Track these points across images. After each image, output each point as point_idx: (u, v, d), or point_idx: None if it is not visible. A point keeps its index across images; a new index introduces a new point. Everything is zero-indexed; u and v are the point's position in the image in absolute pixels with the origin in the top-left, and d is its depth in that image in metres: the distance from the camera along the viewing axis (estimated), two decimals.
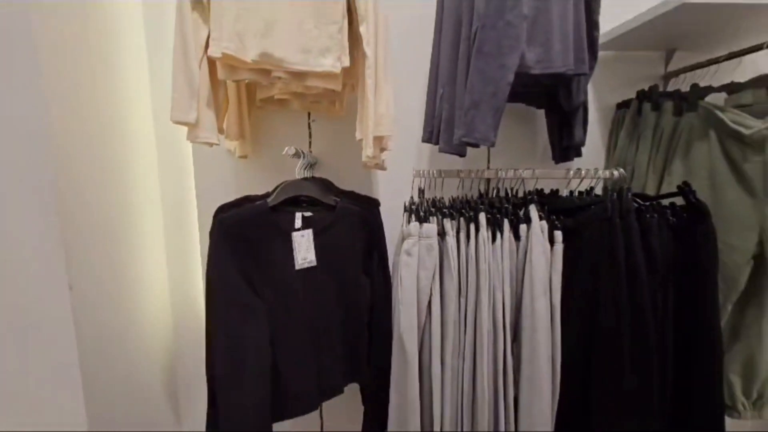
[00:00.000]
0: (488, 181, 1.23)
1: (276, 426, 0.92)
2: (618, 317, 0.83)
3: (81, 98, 0.96)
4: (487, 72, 0.77)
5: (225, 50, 0.81)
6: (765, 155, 0.95)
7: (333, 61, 0.82)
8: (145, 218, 1.22)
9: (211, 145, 0.91)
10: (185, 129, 0.87)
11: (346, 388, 1.01)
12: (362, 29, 0.82)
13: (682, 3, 0.87)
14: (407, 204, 1.11)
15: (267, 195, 0.99)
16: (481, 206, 0.89)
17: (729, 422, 1.03)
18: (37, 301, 0.82)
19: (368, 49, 0.81)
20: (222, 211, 0.95)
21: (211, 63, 0.88)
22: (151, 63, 1.24)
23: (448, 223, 0.88)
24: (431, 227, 0.87)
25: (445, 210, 0.91)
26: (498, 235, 0.88)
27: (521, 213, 0.91)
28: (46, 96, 0.81)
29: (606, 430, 0.85)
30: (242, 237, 0.90)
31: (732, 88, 1.03)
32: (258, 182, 1.21)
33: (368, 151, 0.84)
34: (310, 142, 1.24)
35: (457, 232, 0.89)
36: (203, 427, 0.94)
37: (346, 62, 0.84)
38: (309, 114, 1.22)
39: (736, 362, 1.12)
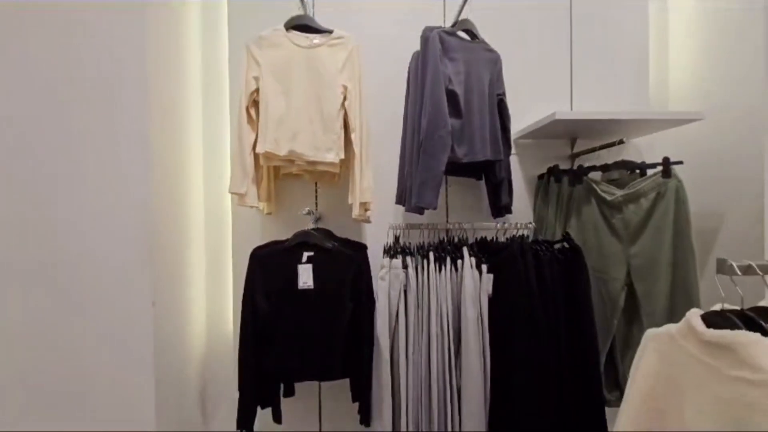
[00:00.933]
0: (447, 230, 1.68)
1: (277, 426, 1.31)
2: (521, 321, 1.25)
3: (167, 151, 1.42)
4: (428, 164, 1.25)
5: (268, 149, 1.30)
6: (623, 214, 1.42)
7: (334, 155, 1.32)
8: (194, 257, 1.66)
9: (252, 207, 1.38)
10: (230, 195, 1.35)
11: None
12: (353, 136, 1.32)
13: (554, 119, 1.37)
14: (385, 247, 1.57)
15: (286, 240, 1.44)
16: (430, 249, 1.34)
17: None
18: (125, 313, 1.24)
19: (356, 148, 1.31)
20: (258, 249, 1.39)
21: (255, 154, 1.37)
22: (204, 135, 1.74)
23: (408, 259, 1.32)
24: (398, 262, 1.31)
25: (407, 251, 1.35)
26: (443, 267, 1.32)
27: (458, 253, 1.35)
28: (151, 148, 1.27)
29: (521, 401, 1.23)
30: (267, 265, 1.34)
31: (605, 168, 1.52)
32: (278, 232, 1.66)
33: (355, 211, 1.31)
34: (316, 203, 1.71)
35: (416, 266, 1.33)
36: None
37: (342, 156, 1.33)
38: (316, 183, 1.71)
39: (628, 364, 1.51)
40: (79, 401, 1.22)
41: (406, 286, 1.32)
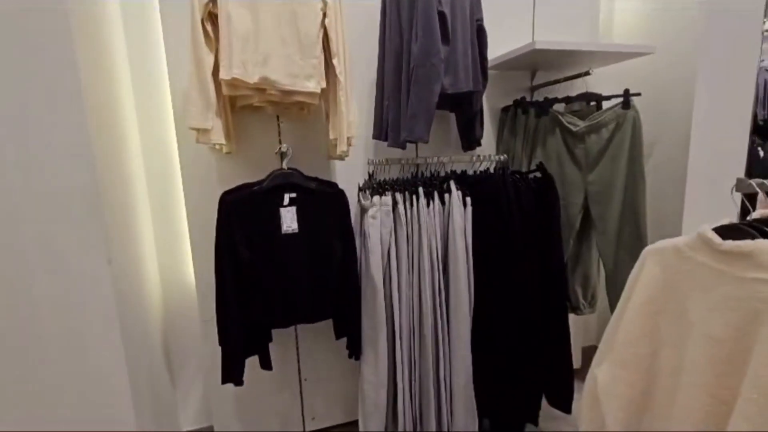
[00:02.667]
0: (417, 165, 1.66)
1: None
2: (500, 244, 1.34)
3: (102, 107, 1.16)
4: (420, 95, 1.18)
5: (235, 75, 1.11)
6: (585, 144, 1.53)
7: (315, 84, 1.17)
8: (139, 206, 1.43)
9: (217, 144, 1.20)
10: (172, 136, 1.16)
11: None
12: (335, 61, 1.18)
13: (533, 49, 1.37)
14: (361, 185, 1.51)
15: (259, 182, 1.30)
16: (419, 184, 1.32)
17: (574, 318, 1.63)
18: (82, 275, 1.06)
19: (341, 76, 1.17)
20: (228, 194, 1.24)
21: (216, 82, 1.16)
22: (132, 70, 1.43)
23: (398, 196, 1.29)
24: (387, 199, 1.28)
25: (396, 187, 1.32)
26: (431, 202, 1.32)
27: (444, 187, 1.35)
28: (86, 110, 1.02)
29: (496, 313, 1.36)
30: (244, 210, 1.21)
31: (568, 100, 1.60)
32: (239, 173, 1.49)
33: (343, 146, 1.21)
34: (279, 140, 1.55)
35: (404, 201, 1.31)
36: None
37: (323, 84, 1.19)
38: (278, 117, 1.53)
39: (578, 277, 1.73)
40: (47, 371, 1.05)
41: (395, 223, 1.30)
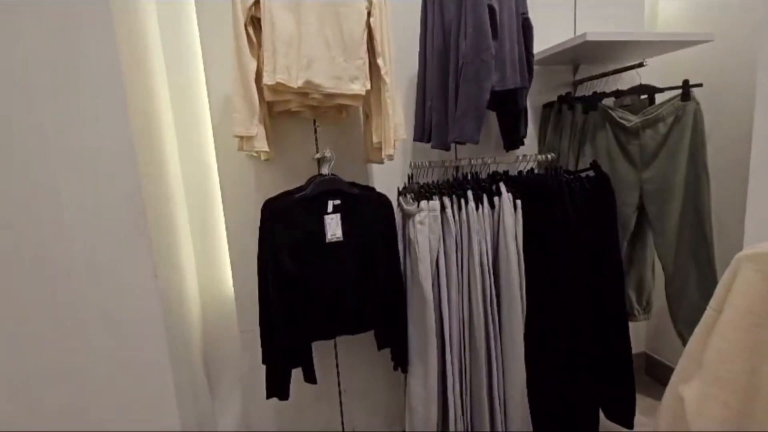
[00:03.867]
0: (457, 168, 1.60)
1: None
2: (554, 248, 1.26)
3: (143, 114, 1.14)
4: (470, 93, 1.12)
5: (279, 80, 1.07)
6: (640, 139, 1.44)
7: (360, 86, 1.12)
8: (179, 217, 1.41)
9: (259, 153, 1.16)
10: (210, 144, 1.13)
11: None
12: (380, 62, 1.13)
13: (584, 41, 1.29)
14: (401, 189, 1.46)
15: (301, 189, 1.26)
16: (468, 186, 1.25)
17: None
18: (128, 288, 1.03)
19: (387, 77, 1.12)
20: (271, 202, 1.20)
21: (258, 88, 1.13)
22: (168, 76, 1.41)
23: (446, 200, 1.23)
24: (435, 203, 1.21)
25: (443, 190, 1.25)
26: (479, 205, 1.25)
27: (494, 189, 1.28)
28: (129, 117, 1.00)
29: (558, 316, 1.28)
30: (288, 218, 1.17)
31: (618, 94, 1.51)
32: (278, 180, 1.45)
33: (390, 150, 1.15)
34: (316, 145, 1.51)
35: (452, 205, 1.25)
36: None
37: (368, 86, 1.14)
38: (314, 122, 1.49)
39: (631, 282, 1.63)
40: (94, 386, 1.03)
41: (443, 228, 1.24)
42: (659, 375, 1.88)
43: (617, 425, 1.40)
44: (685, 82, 1.36)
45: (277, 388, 1.23)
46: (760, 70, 1.48)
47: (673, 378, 0.95)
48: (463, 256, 1.24)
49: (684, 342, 1.49)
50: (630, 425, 1.39)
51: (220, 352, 1.61)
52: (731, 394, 0.83)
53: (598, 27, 1.71)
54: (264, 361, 1.32)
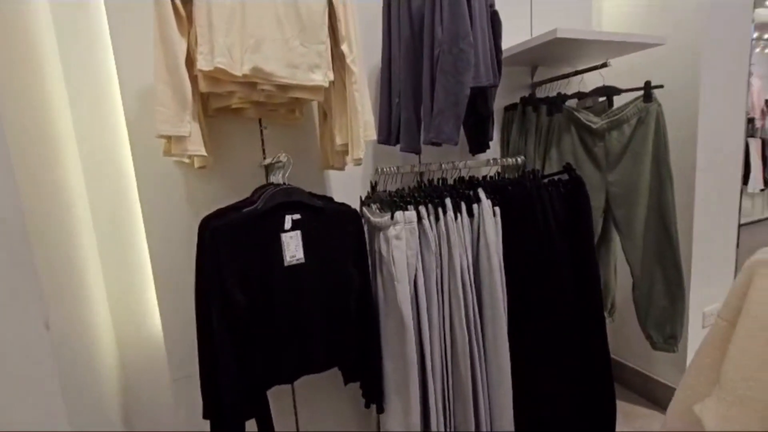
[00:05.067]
0: (421, 174, 1.46)
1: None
2: (534, 257, 1.16)
3: (26, 119, 0.83)
4: (448, 87, 0.98)
5: (218, 64, 0.84)
6: (605, 142, 1.41)
7: (322, 76, 0.93)
8: (84, 246, 1.09)
9: (192, 159, 0.91)
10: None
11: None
12: (344, 48, 0.95)
13: (554, 37, 1.23)
14: (363, 198, 1.28)
15: (248, 201, 1.03)
16: (446, 194, 1.11)
17: None
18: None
19: (354, 66, 0.94)
20: (212, 220, 0.96)
21: (191, 76, 0.89)
22: (65, 68, 1.10)
23: (422, 209, 1.07)
24: (411, 214, 1.05)
25: (418, 199, 1.10)
26: (458, 214, 1.12)
27: (471, 195, 1.16)
28: (4, 128, 0.71)
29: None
30: (237, 240, 0.94)
31: (580, 96, 1.48)
32: (216, 193, 1.20)
33: (359, 152, 0.97)
34: (263, 149, 1.28)
35: (428, 216, 1.10)
36: None
37: (331, 77, 0.95)
38: (260, 121, 1.26)
39: None
40: None
41: (421, 241, 1.08)
42: (621, 376, 1.90)
43: None
44: (647, 83, 1.35)
45: None
46: (703, 76, 1.55)
47: (680, 395, 0.88)
48: (443, 273, 1.09)
49: (653, 345, 1.48)
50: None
51: (147, 406, 1.30)
52: (755, 415, 0.76)
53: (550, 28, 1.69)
54: (206, 416, 1.06)
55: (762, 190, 5.49)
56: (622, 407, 1.71)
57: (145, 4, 1.06)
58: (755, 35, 2.15)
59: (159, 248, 1.17)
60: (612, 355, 1.99)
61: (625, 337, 1.84)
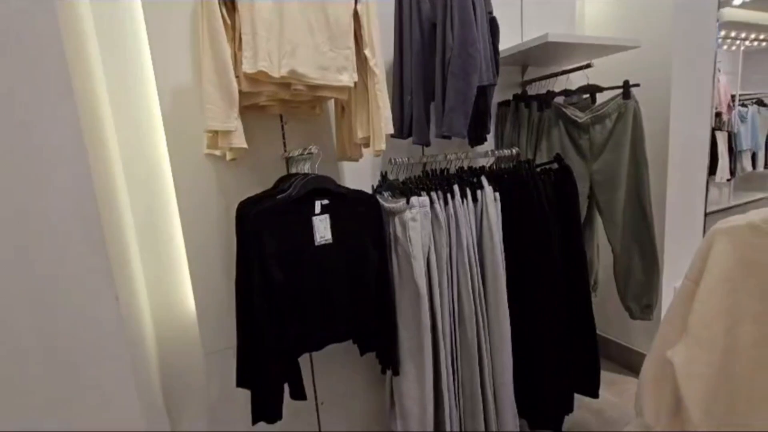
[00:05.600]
0: (424, 165, 1.60)
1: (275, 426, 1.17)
2: (529, 237, 1.32)
3: (89, 116, 0.94)
4: (458, 87, 1.12)
5: (261, 68, 0.96)
6: (589, 134, 1.58)
7: (348, 78, 1.06)
8: (128, 230, 1.20)
9: (228, 153, 1.03)
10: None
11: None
12: (367, 52, 1.08)
13: (546, 41, 1.38)
14: (375, 186, 1.42)
15: (279, 190, 1.15)
16: (454, 181, 1.26)
17: None
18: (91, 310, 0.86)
19: (376, 68, 1.07)
20: (250, 206, 1.08)
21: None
22: (105, 65, 1.19)
23: (434, 194, 1.22)
24: (425, 199, 1.20)
25: (430, 186, 1.24)
26: (464, 199, 1.26)
27: (475, 182, 1.31)
28: (80, 121, 0.81)
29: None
30: (275, 223, 1.06)
31: (567, 93, 1.64)
32: (243, 183, 1.31)
33: (381, 144, 1.11)
34: (284, 143, 1.40)
35: (438, 200, 1.24)
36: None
37: (356, 78, 1.08)
38: (281, 117, 1.37)
39: None
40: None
41: (433, 223, 1.23)
42: (603, 349, 2.09)
43: (586, 396, 1.52)
44: (626, 82, 1.52)
45: (269, 409, 1.11)
46: (674, 76, 1.74)
47: (656, 344, 1.05)
48: (452, 250, 1.24)
49: (632, 315, 1.67)
50: (596, 395, 1.51)
51: (181, 379, 1.41)
52: (713, 354, 0.93)
53: (541, 30, 1.85)
54: (241, 384, 1.19)
55: (728, 180, 5.82)
56: (605, 376, 1.90)
57: (180, 10, 1.18)
58: (722, 33, 2.36)
59: (192, 233, 1.29)
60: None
61: (606, 314, 2.04)
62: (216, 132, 0.98)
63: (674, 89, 1.74)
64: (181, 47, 1.20)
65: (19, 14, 0.73)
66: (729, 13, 5.93)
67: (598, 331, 2.13)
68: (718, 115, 5.77)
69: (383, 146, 1.12)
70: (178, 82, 1.21)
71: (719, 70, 6.21)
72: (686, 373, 0.97)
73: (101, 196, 0.91)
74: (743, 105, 6.24)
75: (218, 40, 0.93)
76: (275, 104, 1.24)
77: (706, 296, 0.94)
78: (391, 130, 1.15)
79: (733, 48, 6.22)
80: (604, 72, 1.79)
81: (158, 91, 1.19)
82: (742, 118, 6.26)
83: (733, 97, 6.16)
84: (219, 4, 0.94)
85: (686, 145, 1.84)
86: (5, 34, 0.72)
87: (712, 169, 5.16)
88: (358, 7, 1.05)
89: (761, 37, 6.16)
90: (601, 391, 1.52)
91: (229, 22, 0.97)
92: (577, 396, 1.50)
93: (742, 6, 5.95)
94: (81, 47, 0.98)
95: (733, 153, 5.71)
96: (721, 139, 5.84)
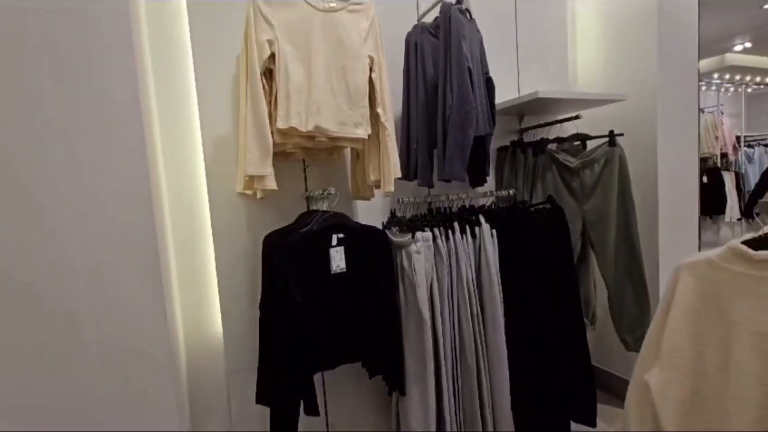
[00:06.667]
0: (429, 203, 1.77)
1: None
2: (524, 271, 1.46)
3: (150, 138, 1.15)
4: (457, 139, 1.31)
5: (292, 124, 1.16)
6: (580, 177, 1.74)
7: (363, 131, 1.26)
8: (170, 255, 1.38)
9: (259, 192, 1.24)
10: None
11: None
12: (379, 110, 1.28)
13: (536, 97, 1.58)
14: (384, 222, 1.59)
15: (301, 224, 1.33)
16: (455, 219, 1.42)
17: None
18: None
19: (387, 123, 1.28)
20: (273, 237, 1.26)
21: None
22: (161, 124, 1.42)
23: (436, 231, 1.38)
24: (428, 234, 1.36)
25: (433, 223, 1.41)
26: (464, 235, 1.42)
27: (473, 219, 1.47)
28: (146, 148, 1.02)
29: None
30: (298, 254, 1.23)
31: (559, 140, 1.82)
32: (269, 217, 1.50)
33: (390, 187, 1.29)
34: (305, 183, 1.59)
35: (440, 236, 1.40)
36: None
37: (369, 131, 1.28)
38: (304, 161, 1.58)
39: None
40: None
41: (435, 256, 1.38)
42: (604, 382, 2.15)
43: (584, 425, 1.59)
44: (611, 132, 1.70)
45: (285, 424, 1.23)
46: (659, 124, 1.91)
47: (636, 369, 1.16)
48: (453, 281, 1.39)
49: (627, 347, 1.76)
50: (593, 424, 1.58)
51: (204, 395, 1.54)
52: (685, 376, 1.04)
53: (535, 86, 2.06)
54: (261, 401, 1.31)
55: (739, 219, 5.80)
56: (608, 410, 1.95)
57: (224, 75, 1.41)
58: (726, 77, 2.50)
59: (223, 262, 1.46)
60: (595, 364, 2.26)
61: (606, 348, 2.11)
62: (252, 176, 1.17)
63: (660, 135, 1.91)
64: (223, 106, 1.44)
65: (103, 91, 0.96)
66: (731, 58, 6.16)
67: (599, 365, 2.22)
68: (724, 155, 5.87)
69: (392, 188, 1.30)
70: (218, 133, 1.44)
71: (722, 113, 6.35)
72: (661, 394, 1.08)
73: (158, 226, 1.10)
74: (749, 146, 6.33)
75: (259, 101, 1.15)
76: (299, 151, 1.45)
77: (675, 324, 1.06)
78: (399, 174, 1.33)
79: (739, 90, 6.39)
80: (598, 119, 1.98)
81: (203, 141, 1.41)
82: (749, 159, 6.32)
83: (738, 138, 6.28)
84: (260, 74, 1.16)
85: (675, 186, 1.98)
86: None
87: (721, 208, 5.21)
88: (373, 75, 1.27)
89: (766, 81, 6.33)
90: (604, 423, 1.59)
91: (266, 88, 1.19)
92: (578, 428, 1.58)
93: (743, 51, 6.19)
94: (147, 107, 1.21)
95: (742, 193, 5.74)
96: (728, 179, 5.88)
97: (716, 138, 5.30)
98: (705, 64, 5.86)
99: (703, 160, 5.27)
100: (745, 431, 0.93)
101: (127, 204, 0.99)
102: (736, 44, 5.58)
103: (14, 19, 0.88)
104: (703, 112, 5.40)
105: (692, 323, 1.04)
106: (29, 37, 0.89)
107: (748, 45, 5.58)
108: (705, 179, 4.83)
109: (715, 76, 5.94)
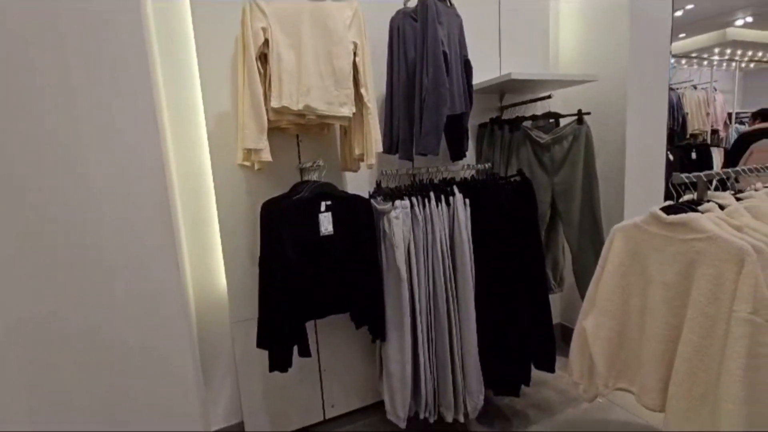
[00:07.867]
0: (414, 175, 1.94)
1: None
2: (493, 235, 1.65)
3: (161, 131, 1.31)
4: (432, 117, 1.47)
5: (284, 103, 1.32)
6: (551, 152, 1.90)
7: (348, 110, 1.42)
8: (179, 221, 1.57)
9: (257, 164, 1.40)
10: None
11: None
12: (363, 91, 1.44)
13: (509, 78, 1.72)
14: (371, 192, 1.76)
15: (295, 192, 1.51)
16: (430, 189, 1.60)
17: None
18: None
19: (370, 103, 1.43)
20: (270, 203, 1.44)
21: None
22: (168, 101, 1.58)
23: (414, 199, 1.56)
24: (406, 202, 1.54)
25: (411, 192, 1.58)
26: (439, 204, 1.60)
27: (448, 190, 1.64)
28: (159, 125, 1.19)
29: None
30: (291, 219, 1.42)
31: (534, 118, 1.97)
32: (266, 186, 1.67)
33: (372, 159, 1.46)
34: (299, 156, 1.76)
35: (418, 204, 1.58)
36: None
37: (354, 110, 1.44)
38: (297, 136, 1.74)
39: (548, 262, 2.10)
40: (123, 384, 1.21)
41: (413, 222, 1.56)
42: (568, 337, 2.38)
43: (544, 371, 1.82)
44: (579, 111, 1.85)
45: (281, 363, 1.45)
46: (629, 102, 2.05)
47: (579, 318, 1.36)
48: (428, 243, 1.58)
49: None
50: (552, 370, 1.81)
51: (213, 343, 1.77)
52: (613, 320, 1.25)
53: (517, 67, 2.19)
54: (261, 345, 1.53)
55: None
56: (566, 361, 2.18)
57: (224, 55, 1.55)
58: (728, 52, 2.55)
59: (227, 224, 1.65)
60: (564, 323, 2.48)
61: (572, 306, 2.33)
62: (250, 149, 1.34)
63: (629, 113, 2.06)
64: (223, 84, 1.59)
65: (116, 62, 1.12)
66: (732, 33, 6.14)
67: (565, 323, 2.45)
68: (714, 132, 5.96)
69: (373, 161, 1.47)
70: (219, 109, 1.59)
71: (715, 89, 6.38)
72: (594, 336, 1.29)
73: (170, 194, 1.28)
74: (741, 123, 6.40)
75: (254, 83, 1.30)
76: (293, 126, 1.61)
77: (607, 278, 1.26)
78: (380, 149, 1.50)
79: (732, 66, 6.40)
80: (576, 98, 2.13)
81: (205, 116, 1.57)
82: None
83: (730, 114, 6.34)
84: (255, 58, 1.30)
85: (642, 160, 2.14)
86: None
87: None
88: (357, 59, 1.41)
89: (766, 58, 6.32)
90: (564, 374, 1.81)
91: (261, 71, 1.34)
92: (542, 376, 1.80)
93: (745, 26, 6.16)
94: (156, 89, 1.37)
95: None
96: (717, 155, 6.02)
97: (707, 114, 5.38)
98: (706, 38, 5.85)
99: (693, 137, 5.37)
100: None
101: (144, 173, 1.17)
102: (737, 18, 5.57)
103: None
104: (695, 88, 5.45)
105: (621, 276, 1.24)
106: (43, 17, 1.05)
107: (750, 20, 5.57)
108: (694, 155, 4.93)
109: (716, 50, 5.94)
